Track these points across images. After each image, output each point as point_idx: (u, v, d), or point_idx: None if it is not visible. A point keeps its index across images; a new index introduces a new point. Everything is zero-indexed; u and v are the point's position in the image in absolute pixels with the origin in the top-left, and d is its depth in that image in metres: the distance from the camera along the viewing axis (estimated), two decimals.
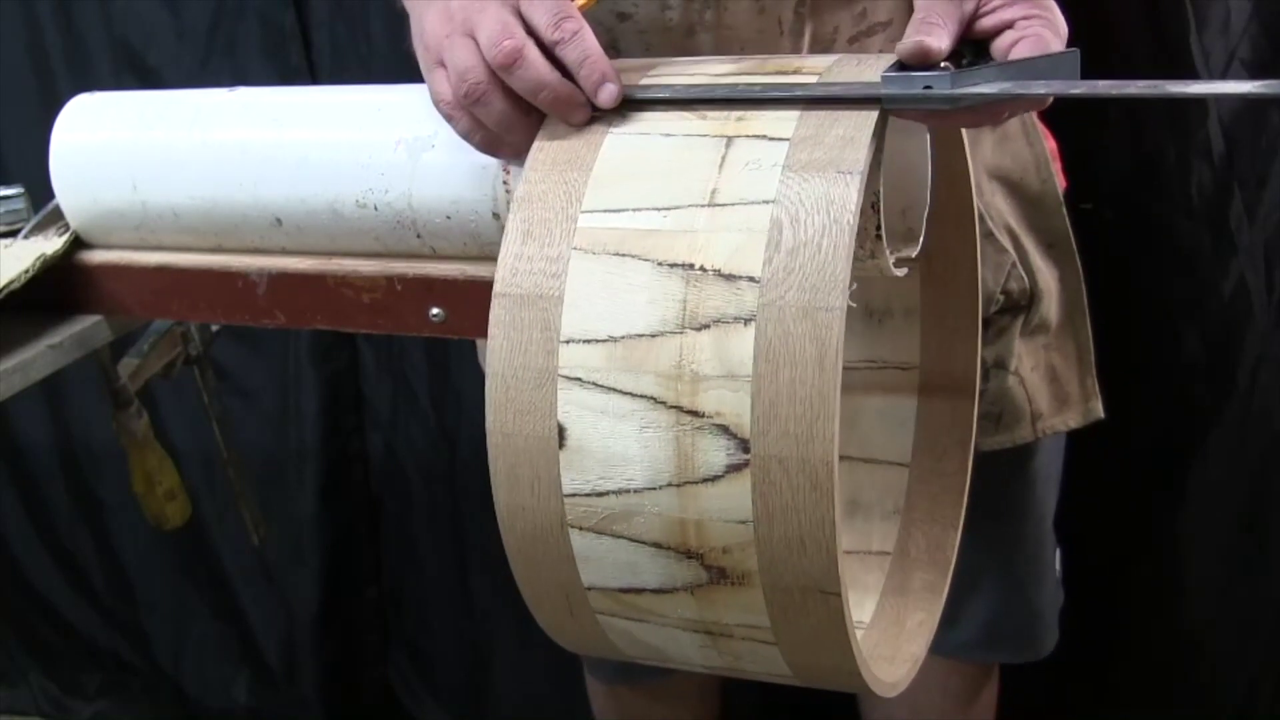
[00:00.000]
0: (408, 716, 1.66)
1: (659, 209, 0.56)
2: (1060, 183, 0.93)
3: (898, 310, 0.82)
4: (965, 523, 0.81)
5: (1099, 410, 0.96)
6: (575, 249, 0.56)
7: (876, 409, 0.83)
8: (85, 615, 1.72)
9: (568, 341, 0.55)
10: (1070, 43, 0.64)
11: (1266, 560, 1.19)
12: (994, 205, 0.89)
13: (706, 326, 0.53)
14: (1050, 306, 0.92)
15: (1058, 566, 1.07)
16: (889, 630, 0.75)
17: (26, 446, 1.66)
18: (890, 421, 0.83)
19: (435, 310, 0.71)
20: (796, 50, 0.77)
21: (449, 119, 0.65)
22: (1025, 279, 0.90)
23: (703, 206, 0.55)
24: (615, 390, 0.55)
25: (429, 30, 0.64)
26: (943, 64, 0.59)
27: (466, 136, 0.65)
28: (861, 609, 0.76)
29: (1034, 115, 0.90)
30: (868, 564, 0.80)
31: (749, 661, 0.60)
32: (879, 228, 0.66)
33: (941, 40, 0.61)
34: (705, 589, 0.56)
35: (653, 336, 0.54)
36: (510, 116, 0.62)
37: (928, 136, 0.71)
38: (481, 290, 0.58)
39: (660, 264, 0.55)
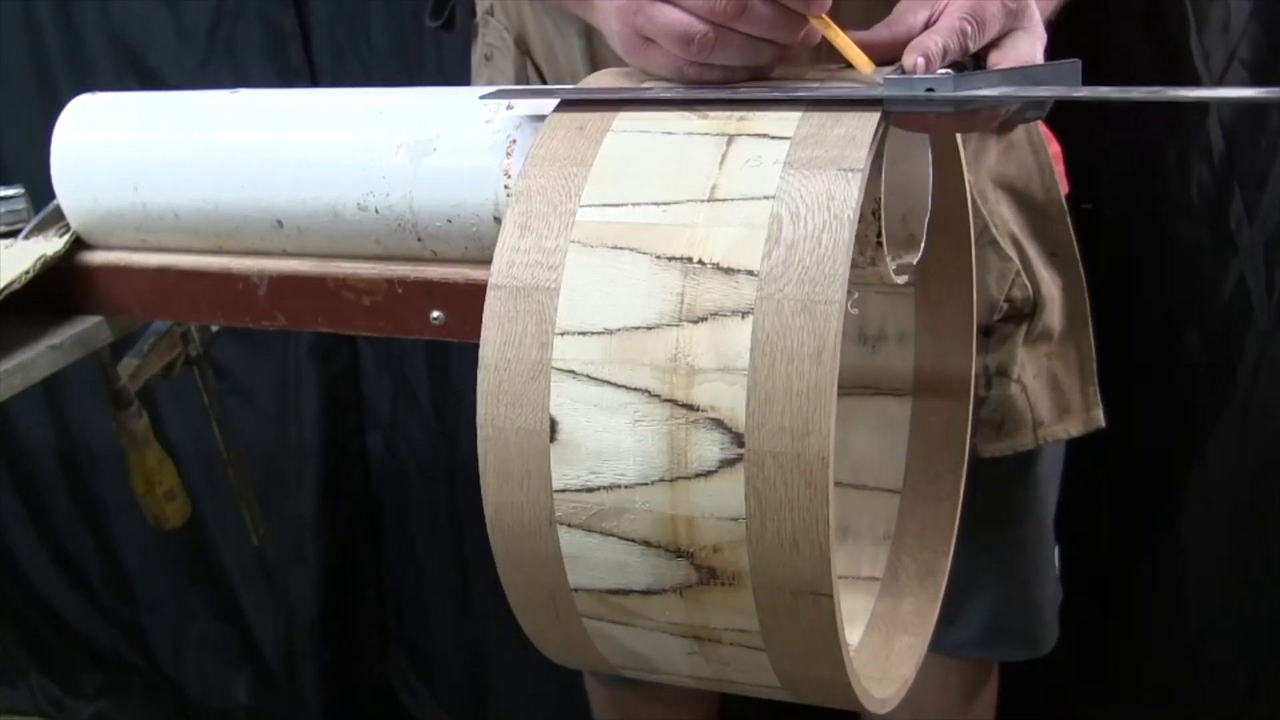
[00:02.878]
0: (408, 716, 1.66)
1: (658, 204, 0.56)
2: (1063, 188, 0.93)
3: (891, 335, 0.82)
4: (966, 523, 0.81)
5: (1100, 419, 0.96)
6: (573, 242, 0.56)
7: (869, 434, 0.83)
8: (85, 615, 1.72)
9: (563, 334, 0.55)
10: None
11: (1266, 559, 1.19)
12: (998, 213, 0.89)
13: (703, 319, 0.53)
14: (1053, 315, 0.92)
15: (1056, 563, 1.07)
16: (878, 653, 0.74)
17: (26, 447, 1.66)
18: (882, 447, 0.82)
19: (436, 313, 0.71)
20: None
21: (699, 57, 0.61)
22: (1029, 287, 0.90)
23: (702, 202, 0.55)
24: (609, 383, 0.54)
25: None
26: (943, 70, 0.59)
27: (734, 59, 0.62)
28: (851, 633, 0.75)
29: (1039, 123, 0.90)
30: (857, 589, 0.79)
31: (737, 670, 0.59)
32: (880, 235, 0.66)
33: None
34: (694, 590, 0.55)
35: (649, 329, 0.54)
36: (776, 12, 0.61)
37: (929, 143, 0.71)
38: (482, 293, 0.57)
39: (658, 257, 0.54)
